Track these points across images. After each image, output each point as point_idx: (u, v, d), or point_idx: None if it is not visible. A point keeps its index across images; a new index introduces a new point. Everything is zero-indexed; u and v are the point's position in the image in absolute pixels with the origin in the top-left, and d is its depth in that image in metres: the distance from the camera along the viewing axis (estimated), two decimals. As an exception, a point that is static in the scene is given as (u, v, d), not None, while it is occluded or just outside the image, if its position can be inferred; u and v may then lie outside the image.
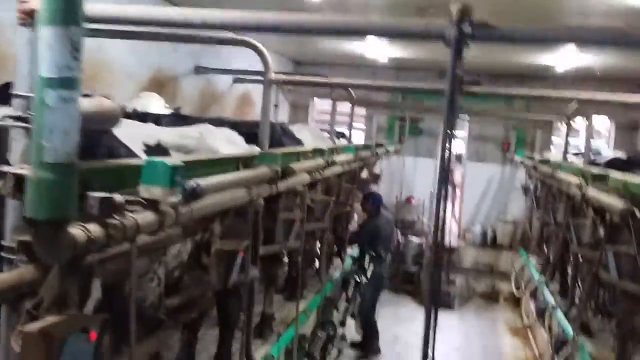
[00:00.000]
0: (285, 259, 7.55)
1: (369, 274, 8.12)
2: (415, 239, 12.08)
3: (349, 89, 7.84)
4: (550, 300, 8.13)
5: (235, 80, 10.14)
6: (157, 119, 4.95)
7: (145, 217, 2.36)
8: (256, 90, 9.95)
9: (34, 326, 2.07)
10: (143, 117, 4.93)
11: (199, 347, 5.42)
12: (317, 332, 5.89)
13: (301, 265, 7.63)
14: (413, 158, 12.90)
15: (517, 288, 10.18)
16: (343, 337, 6.53)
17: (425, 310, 3.30)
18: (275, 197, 5.37)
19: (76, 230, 1.96)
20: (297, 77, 8.90)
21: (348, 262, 8.56)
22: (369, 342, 8.65)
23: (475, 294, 12.02)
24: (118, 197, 2.13)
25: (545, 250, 8.74)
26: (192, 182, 2.61)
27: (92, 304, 3.00)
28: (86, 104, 2.31)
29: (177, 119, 5.24)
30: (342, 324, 7.53)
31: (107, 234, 2.08)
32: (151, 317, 3.40)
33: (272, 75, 4.61)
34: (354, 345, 8.74)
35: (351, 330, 8.98)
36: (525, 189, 11.00)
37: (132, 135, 3.44)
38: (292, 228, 5.28)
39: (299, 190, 5.56)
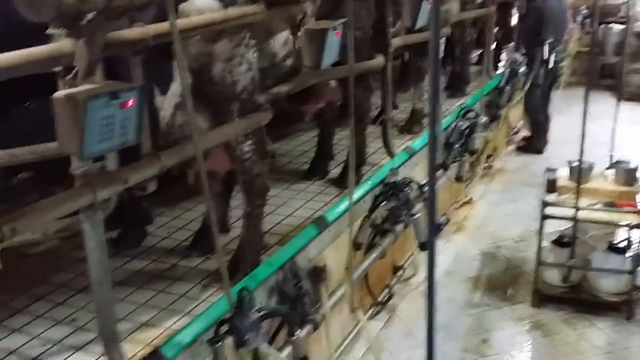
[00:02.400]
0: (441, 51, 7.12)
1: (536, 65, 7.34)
2: (617, 26, 10.57)
3: None
4: None
5: None
6: None
7: (166, -20, 2.26)
8: None
9: (62, 92, 2.18)
10: None
11: (339, 143, 5.52)
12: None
13: (460, 58, 7.18)
14: None
15: None
16: (485, 126, 6.12)
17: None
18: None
19: (64, -12, 1.95)
20: None
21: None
22: (531, 140, 8.08)
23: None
24: (115, -45, 2.05)
25: None
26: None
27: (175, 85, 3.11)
28: None
29: None
30: (496, 116, 7.02)
31: (107, -6, 2.03)
32: (246, 101, 3.43)
33: None
34: (524, 139, 8.27)
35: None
36: None
37: None
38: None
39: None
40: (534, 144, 8.05)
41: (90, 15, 2.12)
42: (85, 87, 2.21)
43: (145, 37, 2.59)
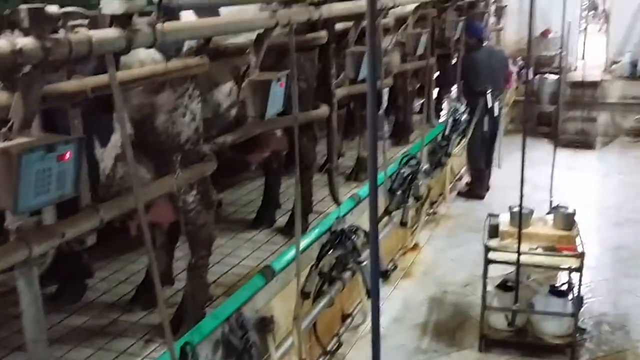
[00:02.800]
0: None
1: (477, 114, 7.60)
2: (552, 77, 11.08)
3: None
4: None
5: None
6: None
7: (105, 33, 2.27)
8: None
9: (-4, 145, 2.13)
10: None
11: (285, 192, 5.53)
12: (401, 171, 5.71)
13: (403, 108, 7.37)
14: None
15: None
16: (427, 173, 6.27)
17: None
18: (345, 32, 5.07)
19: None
20: None
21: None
22: (473, 186, 8.30)
23: (622, 132, 10.94)
24: (52, 8, 2.04)
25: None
26: (160, -6, 2.44)
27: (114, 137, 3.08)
28: None
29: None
30: (439, 163, 7.14)
31: (44, 47, 2.01)
32: (190, 152, 3.41)
33: None
34: (466, 185, 8.47)
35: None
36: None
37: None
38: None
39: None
40: (475, 190, 8.25)
41: (26, 68, 2.09)
42: (21, 140, 2.17)
43: (84, 90, 2.57)
